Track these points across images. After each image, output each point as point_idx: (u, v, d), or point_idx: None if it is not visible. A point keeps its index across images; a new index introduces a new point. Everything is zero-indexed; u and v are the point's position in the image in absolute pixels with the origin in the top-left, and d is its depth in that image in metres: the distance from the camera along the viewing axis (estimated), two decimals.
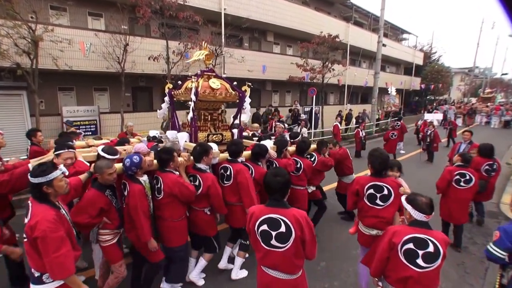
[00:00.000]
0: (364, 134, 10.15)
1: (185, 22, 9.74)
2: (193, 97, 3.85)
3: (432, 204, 2.22)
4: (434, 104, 30.47)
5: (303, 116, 13.50)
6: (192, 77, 4.25)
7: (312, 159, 4.63)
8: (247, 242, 3.59)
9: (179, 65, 10.27)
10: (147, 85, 12.55)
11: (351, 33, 19.65)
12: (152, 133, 4.77)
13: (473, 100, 35.34)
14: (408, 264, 2.14)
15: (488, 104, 24.73)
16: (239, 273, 3.66)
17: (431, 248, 2.09)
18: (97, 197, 2.70)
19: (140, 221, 2.77)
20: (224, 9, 12.67)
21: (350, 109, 15.72)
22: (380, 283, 2.43)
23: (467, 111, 23.23)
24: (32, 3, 7.80)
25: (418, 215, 2.19)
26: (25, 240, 2.07)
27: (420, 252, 2.11)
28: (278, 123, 8.03)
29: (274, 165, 4.00)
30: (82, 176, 2.84)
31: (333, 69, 14.45)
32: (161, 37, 10.56)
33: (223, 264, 3.74)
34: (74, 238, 2.28)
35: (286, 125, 9.73)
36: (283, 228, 2.04)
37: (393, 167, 3.27)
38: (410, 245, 2.14)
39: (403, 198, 2.34)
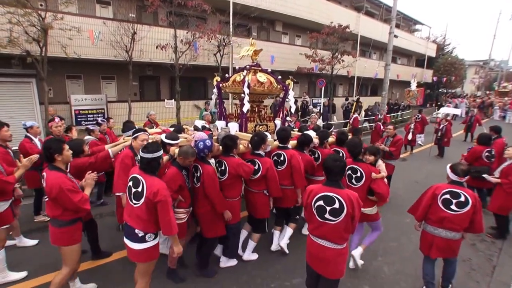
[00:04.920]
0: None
1: (194, 11, 9.62)
2: (246, 90, 4.18)
3: (467, 171, 3.06)
4: (446, 98, 29.74)
5: (311, 108, 13.34)
6: (246, 71, 4.53)
7: None
8: (297, 217, 4.14)
9: (187, 54, 10.20)
10: (155, 74, 12.52)
11: (362, 24, 19.14)
12: (198, 123, 5.05)
13: (490, 94, 34.17)
14: (444, 209, 3.04)
15: (505, 98, 23.93)
16: (286, 247, 4.03)
17: (462, 198, 2.97)
18: (177, 175, 3.07)
19: (217, 196, 3.20)
20: None
21: (353, 100, 15.52)
22: (420, 227, 3.35)
23: (478, 104, 22.60)
24: None
25: (453, 176, 3.09)
26: (137, 205, 2.52)
27: (454, 201, 3.01)
28: (313, 114, 8.63)
29: (317, 154, 4.34)
30: (164, 158, 3.18)
31: (343, 60, 14.17)
32: (169, 26, 10.46)
33: (274, 246, 4.12)
34: None
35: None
36: (336, 205, 2.43)
37: (366, 152, 3.63)
38: (447, 196, 3.06)
39: (448, 166, 3.19)
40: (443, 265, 3.39)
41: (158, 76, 12.67)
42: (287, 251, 4.02)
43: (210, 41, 10.62)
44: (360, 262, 3.74)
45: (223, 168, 3.41)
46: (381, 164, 3.66)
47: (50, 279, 3.42)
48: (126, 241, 2.61)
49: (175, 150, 3.24)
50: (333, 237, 2.48)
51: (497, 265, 4.00)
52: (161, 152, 2.63)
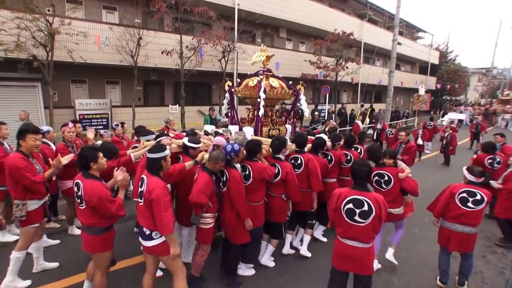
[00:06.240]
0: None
1: (199, 17, 9.68)
2: (262, 95, 4.24)
3: (483, 172, 3.43)
4: (450, 105, 29.63)
5: (316, 113, 13.22)
6: (261, 76, 4.58)
7: (358, 151, 4.89)
8: (313, 221, 4.16)
9: (192, 60, 10.22)
10: (159, 79, 12.55)
11: (366, 31, 19.25)
12: (208, 128, 5.07)
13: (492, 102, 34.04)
14: (462, 206, 3.35)
15: (507, 106, 23.83)
16: (307, 252, 4.10)
17: (478, 197, 3.30)
18: (210, 180, 3.05)
19: (241, 203, 3.16)
20: (238, 4, 12.54)
21: (366, 108, 15.49)
22: (438, 223, 3.63)
23: (482, 112, 22.49)
24: None
25: (470, 177, 3.41)
26: (141, 203, 2.65)
27: (471, 199, 3.32)
28: (331, 121, 8.91)
29: (329, 156, 4.39)
30: (187, 164, 3.27)
31: (347, 67, 14.18)
32: (174, 32, 10.51)
33: (286, 250, 4.14)
34: None
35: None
36: (365, 207, 2.56)
37: (385, 155, 3.85)
38: (464, 194, 3.36)
39: (464, 168, 3.52)
40: (460, 261, 3.57)
41: (162, 81, 12.70)
42: (309, 254, 4.11)
43: (215, 47, 10.65)
44: (394, 260, 3.97)
45: (247, 172, 3.41)
46: (401, 163, 3.86)
47: None
48: (139, 238, 2.75)
49: (204, 155, 3.24)
50: (362, 237, 2.61)
51: (510, 278, 3.89)
52: (163, 153, 2.68)
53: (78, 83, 10.79)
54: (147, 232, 2.65)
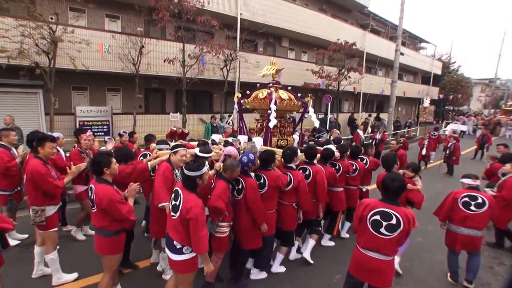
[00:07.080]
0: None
1: (202, 26, 9.75)
2: (273, 107, 4.39)
3: (477, 175, 3.73)
4: (453, 115, 29.49)
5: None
6: (271, 89, 4.73)
7: (364, 162, 5.01)
8: (319, 228, 4.30)
9: (194, 69, 10.25)
10: (160, 87, 12.58)
11: (368, 41, 19.30)
12: (216, 137, 5.19)
13: (496, 112, 33.84)
14: (465, 210, 3.59)
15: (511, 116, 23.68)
16: (310, 258, 4.16)
17: (479, 200, 3.55)
18: (227, 187, 3.13)
19: (259, 209, 3.26)
20: (241, 14, 12.65)
21: (367, 118, 15.42)
22: (444, 226, 3.88)
23: (483, 122, 22.34)
24: (54, 4, 7.96)
25: (467, 181, 3.70)
26: (174, 217, 2.63)
27: (472, 203, 3.57)
28: (335, 130, 8.88)
29: (337, 166, 4.51)
30: (210, 172, 3.34)
31: (349, 77, 14.16)
32: (176, 40, 10.59)
33: (292, 255, 4.27)
34: None
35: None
36: (394, 221, 2.54)
37: (408, 167, 4.16)
38: (466, 199, 3.62)
39: (460, 179, 3.83)
40: (467, 258, 3.75)
41: (163, 89, 12.72)
42: (312, 261, 4.12)
43: (218, 56, 10.69)
44: (399, 270, 3.96)
45: (261, 181, 3.48)
46: (418, 179, 4.05)
47: None
48: (166, 250, 2.75)
49: (220, 165, 3.33)
50: (385, 250, 2.59)
51: None
52: (200, 172, 2.63)
53: (79, 90, 10.82)
54: (178, 246, 2.63)
